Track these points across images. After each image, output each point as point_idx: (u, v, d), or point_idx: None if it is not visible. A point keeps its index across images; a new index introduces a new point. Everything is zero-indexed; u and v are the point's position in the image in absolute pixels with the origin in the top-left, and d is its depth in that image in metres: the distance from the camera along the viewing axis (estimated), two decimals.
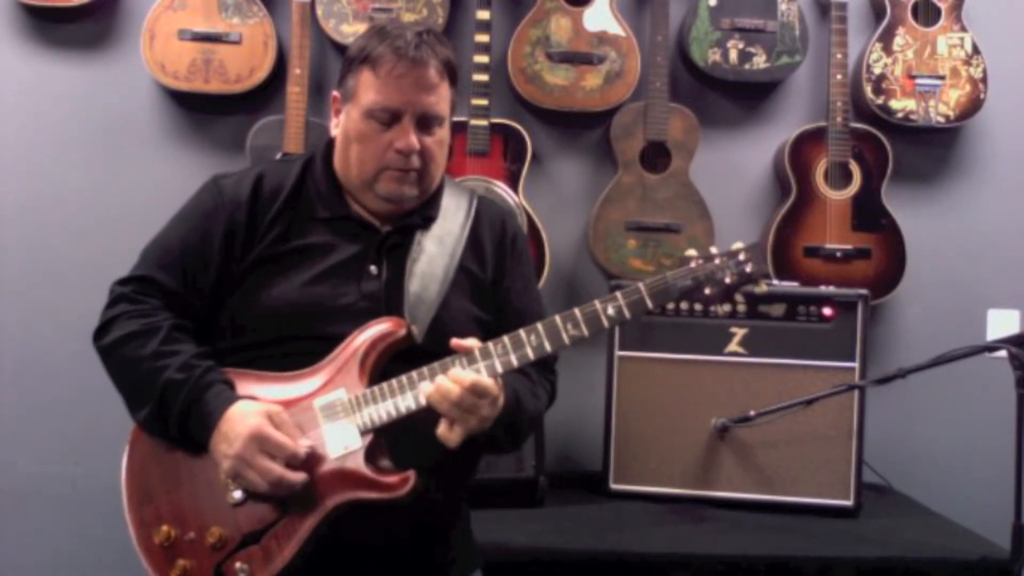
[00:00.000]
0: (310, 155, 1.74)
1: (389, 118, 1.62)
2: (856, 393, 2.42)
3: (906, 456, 2.89)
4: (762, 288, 1.60)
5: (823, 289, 2.52)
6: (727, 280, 1.58)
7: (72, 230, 2.84)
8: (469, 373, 1.51)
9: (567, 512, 2.41)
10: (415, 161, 1.64)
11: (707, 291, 1.58)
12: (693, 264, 1.59)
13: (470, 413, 1.50)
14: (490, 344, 1.55)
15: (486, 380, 1.51)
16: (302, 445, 1.51)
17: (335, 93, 1.71)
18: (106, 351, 1.62)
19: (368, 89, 1.62)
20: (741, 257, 1.59)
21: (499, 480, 2.39)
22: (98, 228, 2.82)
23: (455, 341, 1.55)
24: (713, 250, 1.61)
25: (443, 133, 1.68)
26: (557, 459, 2.80)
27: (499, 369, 1.54)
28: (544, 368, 1.77)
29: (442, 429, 1.52)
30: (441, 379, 1.51)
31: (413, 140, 1.62)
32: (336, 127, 1.69)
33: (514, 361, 1.54)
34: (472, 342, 1.55)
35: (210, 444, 1.52)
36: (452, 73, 1.68)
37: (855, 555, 2.16)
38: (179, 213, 1.72)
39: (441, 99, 1.65)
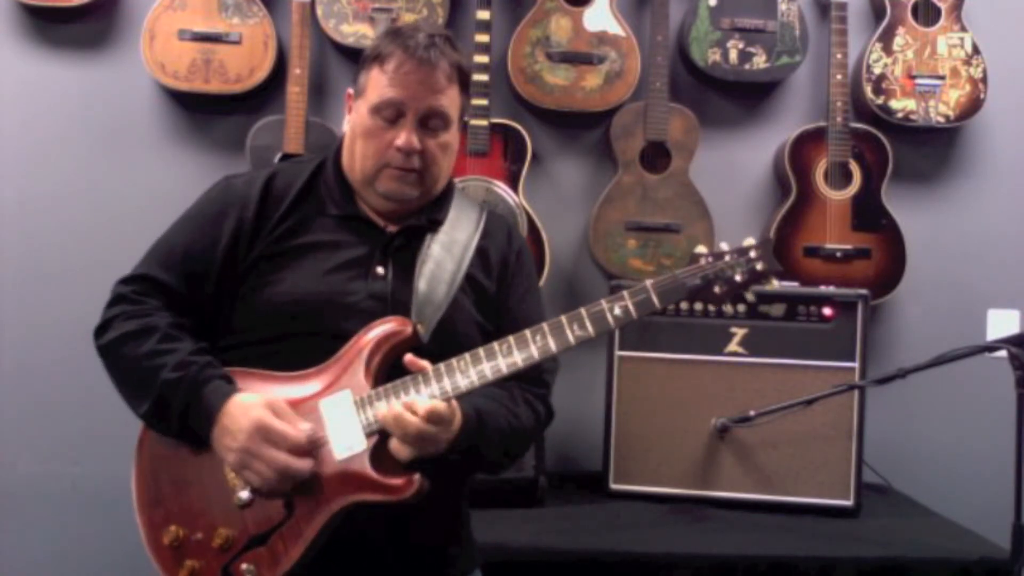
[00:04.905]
0: (323, 157, 1.75)
1: (393, 115, 1.63)
2: (856, 393, 2.42)
3: (906, 456, 2.89)
4: (773, 285, 1.57)
5: (823, 289, 2.52)
6: (737, 278, 1.55)
7: (72, 230, 2.83)
8: (425, 401, 1.48)
9: (567, 512, 2.41)
10: (415, 161, 1.64)
11: (716, 290, 1.55)
12: (703, 262, 1.56)
13: (425, 440, 1.49)
14: (454, 361, 1.52)
15: (440, 406, 1.48)
16: (302, 430, 1.51)
17: (349, 91, 1.73)
18: (104, 350, 1.62)
19: (376, 85, 1.64)
20: (752, 255, 1.56)
21: (499, 480, 2.38)
22: (98, 228, 2.82)
23: (408, 358, 1.52)
24: (723, 246, 1.58)
25: (447, 137, 1.68)
26: (557, 459, 2.80)
27: (490, 377, 1.51)
28: (531, 382, 1.71)
29: (395, 444, 1.50)
30: (395, 404, 1.48)
31: (413, 139, 1.62)
32: (347, 123, 1.72)
33: (504, 368, 1.51)
34: (423, 363, 1.52)
35: (212, 439, 1.52)
36: (463, 78, 1.68)
37: (855, 555, 2.15)
38: (187, 212, 1.72)
39: (448, 102, 1.65)
